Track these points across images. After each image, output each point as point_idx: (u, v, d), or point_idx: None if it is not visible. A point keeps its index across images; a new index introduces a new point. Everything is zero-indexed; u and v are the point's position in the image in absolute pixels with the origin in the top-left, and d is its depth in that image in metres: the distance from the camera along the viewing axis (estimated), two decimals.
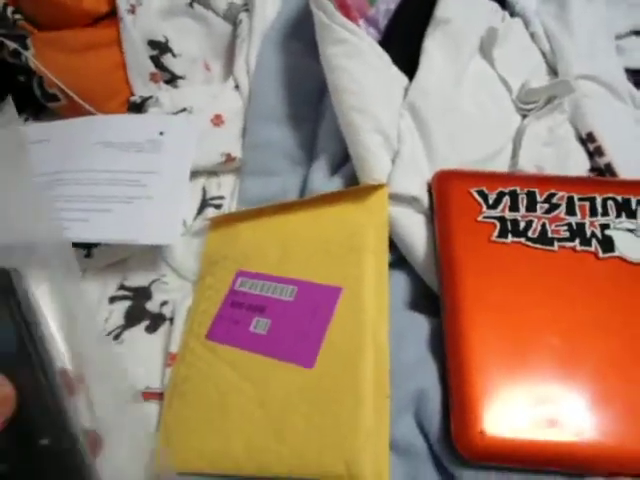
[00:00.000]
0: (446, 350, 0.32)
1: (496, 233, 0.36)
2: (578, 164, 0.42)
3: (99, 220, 0.41)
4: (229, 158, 0.48)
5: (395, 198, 0.39)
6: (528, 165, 0.42)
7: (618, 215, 0.37)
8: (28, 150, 0.45)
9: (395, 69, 0.43)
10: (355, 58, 0.40)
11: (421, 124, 0.41)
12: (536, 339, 0.32)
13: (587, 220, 0.37)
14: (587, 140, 0.43)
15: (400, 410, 0.31)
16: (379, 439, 0.29)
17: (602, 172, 0.42)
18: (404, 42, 0.44)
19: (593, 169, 0.43)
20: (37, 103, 0.52)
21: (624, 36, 0.50)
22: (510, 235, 0.36)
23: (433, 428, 0.30)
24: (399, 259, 0.39)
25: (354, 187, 0.40)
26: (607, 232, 0.36)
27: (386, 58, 0.42)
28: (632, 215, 0.37)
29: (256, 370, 0.34)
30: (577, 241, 0.35)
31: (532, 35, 0.48)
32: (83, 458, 0.20)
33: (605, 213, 0.37)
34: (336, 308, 0.34)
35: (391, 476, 0.28)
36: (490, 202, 0.38)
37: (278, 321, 0.36)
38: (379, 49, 0.42)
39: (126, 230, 0.41)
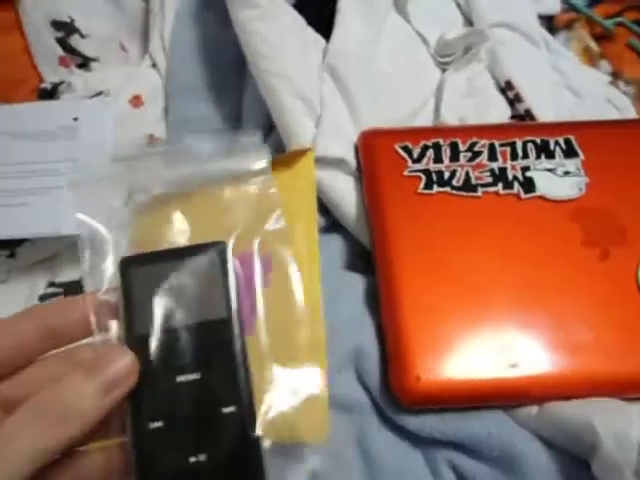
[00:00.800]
0: (380, 302, 0.32)
1: (422, 185, 0.36)
2: (499, 112, 0.43)
3: (15, 215, 0.39)
4: (153, 139, 0.46)
5: (322, 161, 0.38)
6: (451, 118, 0.42)
7: (538, 157, 0.38)
8: None
9: (311, 31, 0.42)
10: (268, 21, 0.39)
11: (342, 86, 0.40)
12: (466, 283, 0.33)
13: (509, 164, 0.37)
14: (506, 88, 0.44)
15: (340, 367, 0.31)
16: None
17: (523, 118, 0.43)
18: (319, 2, 0.44)
19: (514, 116, 0.44)
20: None
21: None
22: (435, 186, 0.36)
23: (373, 381, 0.30)
24: (334, 223, 0.39)
25: (279, 155, 0.39)
26: (528, 174, 0.37)
27: (301, 20, 0.41)
28: (551, 155, 0.38)
29: None
30: (500, 185, 0.36)
31: None
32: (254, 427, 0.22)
33: (525, 156, 0.38)
34: (269, 274, 0.34)
35: (335, 434, 0.28)
36: (415, 156, 0.38)
37: None
38: (292, 11, 0.41)
39: (46, 222, 0.39)
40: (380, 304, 0.33)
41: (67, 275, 0.42)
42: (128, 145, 0.45)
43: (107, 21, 0.51)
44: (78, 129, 0.43)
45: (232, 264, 0.24)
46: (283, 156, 0.39)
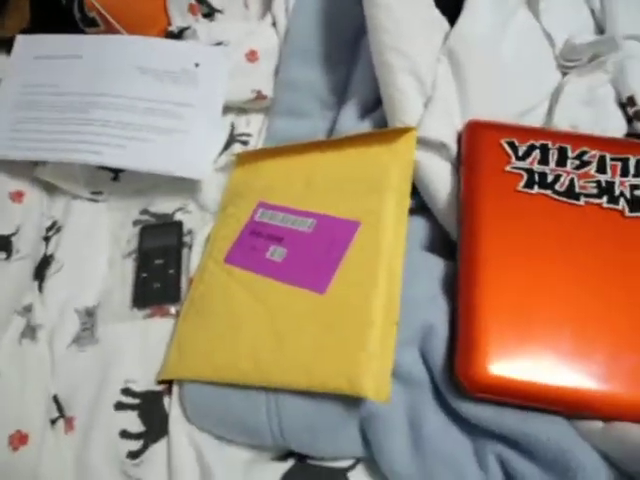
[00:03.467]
0: (458, 289, 0.32)
1: (522, 183, 0.36)
2: (615, 127, 0.41)
3: (136, 148, 0.42)
4: (260, 95, 0.48)
5: (423, 143, 0.38)
6: (563, 124, 0.41)
7: None
8: (58, 63, 0.46)
9: (437, 12, 0.42)
10: None
11: (458, 71, 0.40)
12: (550, 289, 0.32)
13: (617, 179, 0.36)
14: (627, 104, 0.42)
15: (407, 341, 0.31)
16: (383, 360, 0.29)
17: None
18: None
19: (630, 134, 0.41)
20: (77, 29, 0.52)
21: None
22: (536, 186, 0.35)
23: (437, 361, 0.31)
24: (420, 205, 0.39)
25: (382, 129, 0.39)
26: (637, 193, 0.35)
27: None
28: None
29: (269, 293, 0.35)
30: (604, 198, 0.35)
31: None
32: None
33: (637, 174, 0.36)
34: (353, 240, 0.34)
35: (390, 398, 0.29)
36: (519, 154, 0.37)
37: (295, 250, 0.36)
38: None
39: (163, 161, 0.42)
40: (458, 289, 0.33)
41: (160, 206, 0.45)
42: (236, 97, 0.48)
43: None
44: (198, 75, 0.45)
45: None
46: (384, 131, 0.39)
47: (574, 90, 0.41)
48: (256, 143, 0.48)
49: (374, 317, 0.30)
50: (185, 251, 0.43)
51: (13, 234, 0.42)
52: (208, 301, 0.36)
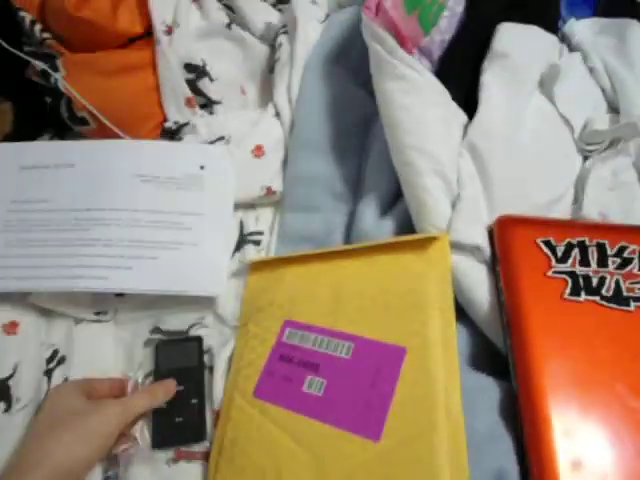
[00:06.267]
0: (523, 423, 0.30)
1: (568, 291, 0.34)
2: None
3: (144, 268, 0.39)
4: (269, 191, 0.45)
5: (456, 247, 0.36)
6: (592, 211, 0.39)
7: None
8: (48, 174, 0.42)
9: (454, 105, 0.40)
10: (414, 94, 0.38)
11: (482, 166, 0.39)
12: (621, 411, 0.30)
13: None
14: None
15: None
16: None
17: None
18: (460, 76, 0.42)
19: None
20: (62, 122, 0.49)
21: None
22: (583, 293, 0.34)
23: None
24: (457, 311, 0.37)
25: (412, 235, 0.37)
26: None
27: (446, 93, 0.40)
28: None
29: (313, 437, 0.31)
30: None
31: (590, 70, 0.45)
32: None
33: None
34: (401, 371, 0.32)
35: None
36: (559, 255, 0.35)
37: (334, 382, 0.33)
38: (439, 85, 0.40)
39: (175, 280, 0.39)
40: (522, 424, 0.30)
41: (173, 322, 0.41)
42: (246, 195, 0.45)
43: (234, 64, 0.51)
44: (204, 179, 0.43)
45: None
46: (415, 237, 0.37)
47: (599, 177, 0.40)
48: (268, 241, 0.45)
49: (442, 473, 0.27)
50: (205, 374, 0.39)
51: (10, 376, 0.37)
52: (241, 448, 0.33)
